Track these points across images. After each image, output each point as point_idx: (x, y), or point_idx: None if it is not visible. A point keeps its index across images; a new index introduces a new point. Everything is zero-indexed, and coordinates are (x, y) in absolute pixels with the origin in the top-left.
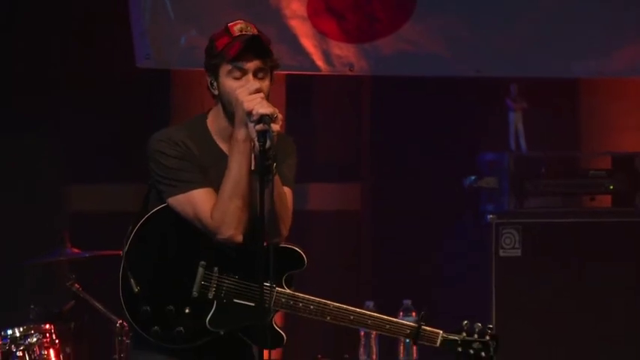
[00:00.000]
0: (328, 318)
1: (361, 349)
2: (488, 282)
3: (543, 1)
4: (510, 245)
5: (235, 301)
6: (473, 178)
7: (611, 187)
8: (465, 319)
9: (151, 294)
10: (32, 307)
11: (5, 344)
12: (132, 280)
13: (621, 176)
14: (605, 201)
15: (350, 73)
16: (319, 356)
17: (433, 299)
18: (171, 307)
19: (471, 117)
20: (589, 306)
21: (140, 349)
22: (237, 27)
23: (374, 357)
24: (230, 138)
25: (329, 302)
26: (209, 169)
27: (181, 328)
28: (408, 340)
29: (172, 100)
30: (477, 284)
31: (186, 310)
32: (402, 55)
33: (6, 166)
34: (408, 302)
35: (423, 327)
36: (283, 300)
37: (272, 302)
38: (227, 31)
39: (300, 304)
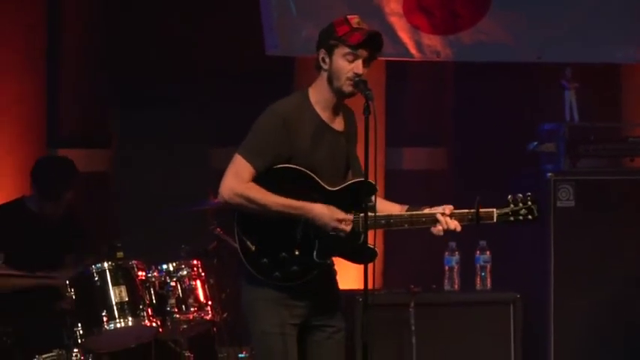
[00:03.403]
0: (406, 225)
1: (445, 281)
2: (547, 227)
3: None
4: (565, 198)
5: (331, 234)
6: (535, 143)
7: None
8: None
9: (265, 248)
10: (183, 246)
11: (161, 276)
12: (247, 242)
13: None
14: None
15: (437, 59)
16: (412, 286)
17: (503, 240)
18: (284, 254)
19: (534, 94)
20: (631, 246)
21: (252, 283)
22: (355, 20)
23: (456, 287)
24: (330, 109)
25: (404, 213)
26: (308, 133)
27: (296, 267)
28: (484, 273)
29: (296, 80)
30: (538, 229)
31: (296, 252)
32: (479, 44)
33: (166, 134)
34: (483, 243)
35: (480, 210)
36: (369, 222)
37: (360, 226)
38: (346, 21)
39: (383, 221)
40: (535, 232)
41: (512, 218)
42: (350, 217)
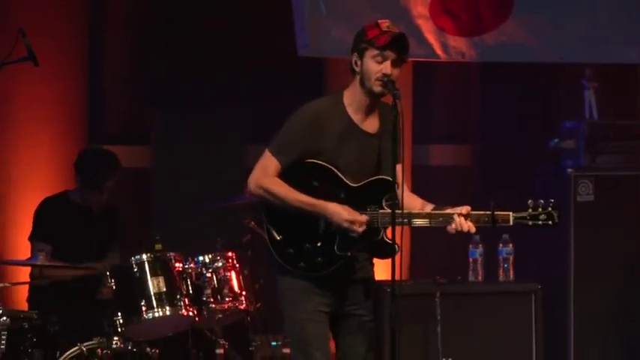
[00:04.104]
0: (425, 223)
1: (470, 272)
2: (568, 221)
3: None
4: (585, 192)
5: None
6: (556, 140)
7: None
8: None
9: (290, 239)
10: (218, 239)
11: (198, 267)
12: (273, 232)
13: None
14: None
15: (462, 60)
16: (437, 277)
17: (525, 233)
18: (308, 245)
19: (555, 93)
20: None
21: (283, 273)
22: (385, 24)
23: (479, 278)
24: (363, 111)
25: (422, 212)
26: (336, 133)
27: (320, 259)
28: (506, 265)
29: (326, 80)
30: (559, 222)
31: (319, 244)
32: (502, 45)
33: (203, 131)
34: (506, 236)
35: (495, 213)
36: (387, 219)
37: (379, 222)
38: (377, 25)
39: (401, 219)
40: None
41: (530, 222)
42: (364, 218)
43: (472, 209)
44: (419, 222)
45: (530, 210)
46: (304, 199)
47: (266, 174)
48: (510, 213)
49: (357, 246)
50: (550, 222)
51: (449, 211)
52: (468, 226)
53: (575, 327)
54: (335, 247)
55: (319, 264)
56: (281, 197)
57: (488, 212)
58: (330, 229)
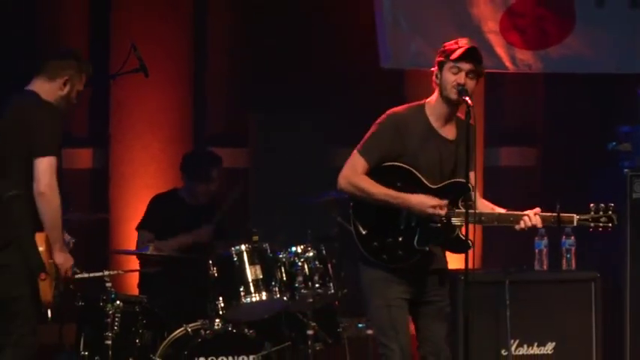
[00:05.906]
0: (495, 222)
1: (536, 262)
2: (625, 216)
3: None
4: None
5: (430, 225)
6: (614, 143)
7: None
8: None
9: (375, 233)
10: (309, 231)
11: (291, 257)
12: (360, 227)
13: None
14: None
15: (529, 71)
16: (507, 266)
17: (584, 228)
18: (390, 239)
19: (613, 100)
20: None
21: (367, 264)
22: (463, 41)
23: (544, 267)
24: (443, 118)
25: (494, 212)
26: (417, 137)
27: (401, 252)
28: (569, 255)
29: (405, 90)
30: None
31: (400, 239)
32: (565, 58)
33: (297, 134)
34: (568, 229)
35: (561, 215)
36: (462, 217)
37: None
38: (455, 42)
39: (475, 218)
40: None
41: (592, 224)
42: (444, 202)
43: (538, 204)
44: (490, 222)
45: (592, 213)
46: (389, 192)
47: (355, 172)
48: (574, 215)
49: (435, 241)
50: (610, 224)
51: (519, 212)
52: (536, 220)
53: (631, 312)
54: (415, 242)
55: (400, 256)
56: (368, 192)
57: (554, 214)
58: (410, 224)
